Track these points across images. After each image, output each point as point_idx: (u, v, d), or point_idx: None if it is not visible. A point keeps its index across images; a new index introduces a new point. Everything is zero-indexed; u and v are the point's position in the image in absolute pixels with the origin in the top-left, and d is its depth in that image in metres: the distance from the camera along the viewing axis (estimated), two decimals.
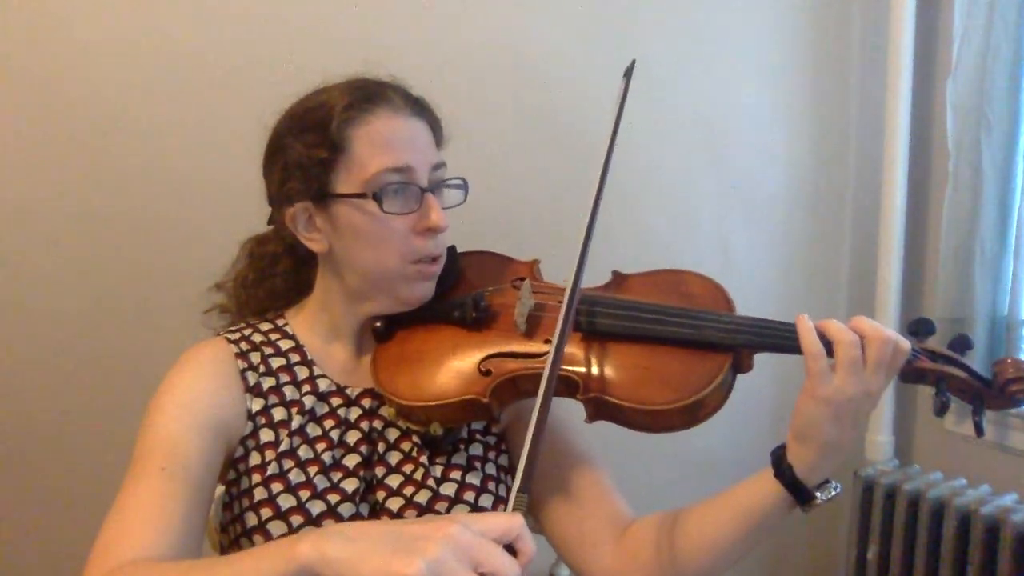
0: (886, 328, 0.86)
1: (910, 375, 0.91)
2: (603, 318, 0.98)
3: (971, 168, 1.91)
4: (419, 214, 0.99)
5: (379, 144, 0.97)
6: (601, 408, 0.94)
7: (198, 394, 0.97)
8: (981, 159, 1.89)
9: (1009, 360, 0.90)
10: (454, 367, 0.99)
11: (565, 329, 0.86)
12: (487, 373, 0.97)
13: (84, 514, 1.56)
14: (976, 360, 0.94)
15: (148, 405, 0.97)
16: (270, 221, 1.09)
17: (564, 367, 0.96)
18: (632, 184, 1.99)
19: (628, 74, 1.06)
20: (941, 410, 0.90)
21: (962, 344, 0.93)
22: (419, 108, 1.03)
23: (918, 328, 0.94)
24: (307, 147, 0.97)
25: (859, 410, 0.86)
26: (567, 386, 0.96)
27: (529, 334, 1.00)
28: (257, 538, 0.94)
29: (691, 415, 0.92)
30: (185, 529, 0.86)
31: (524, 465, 0.71)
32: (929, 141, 2.09)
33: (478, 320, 1.02)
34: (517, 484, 0.70)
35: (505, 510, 0.69)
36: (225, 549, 1.02)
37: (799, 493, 0.89)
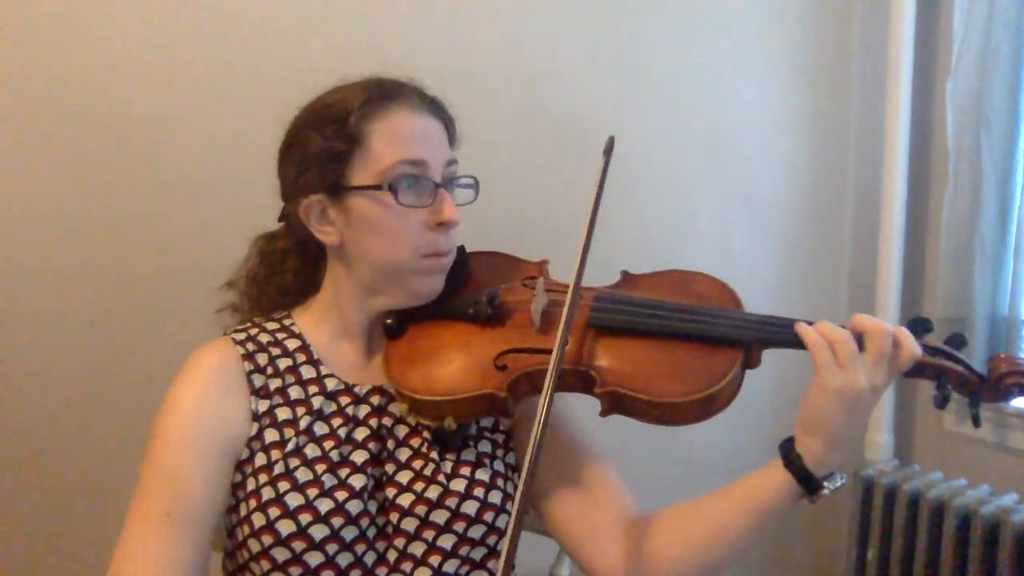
0: (885, 322, 0.90)
1: (911, 370, 0.94)
2: (618, 314, 1.00)
3: (971, 168, 1.92)
4: (432, 208, 1.00)
5: (396, 138, 0.99)
6: (617, 402, 0.95)
7: (202, 411, 0.98)
8: (981, 159, 1.90)
9: (1002, 355, 0.95)
10: (469, 362, 1.00)
11: (562, 343, 0.87)
12: (503, 368, 0.98)
13: (89, 514, 1.58)
14: (976, 360, 0.96)
15: (153, 423, 0.97)
16: (281, 218, 1.10)
17: (581, 363, 0.97)
18: (633, 185, 1.99)
19: (608, 151, 1.06)
20: (943, 403, 0.94)
21: (957, 341, 0.97)
22: (435, 107, 1.05)
23: (916, 326, 0.96)
24: (325, 139, 0.99)
25: (867, 404, 0.90)
26: (583, 381, 0.97)
27: (544, 330, 1.01)
28: (265, 538, 0.94)
29: (705, 408, 0.94)
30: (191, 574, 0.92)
31: (508, 544, 0.72)
32: (929, 141, 2.10)
33: (492, 317, 1.03)
34: (503, 560, 0.70)
35: None
36: (231, 552, 1.01)
37: (807, 483, 0.91)
